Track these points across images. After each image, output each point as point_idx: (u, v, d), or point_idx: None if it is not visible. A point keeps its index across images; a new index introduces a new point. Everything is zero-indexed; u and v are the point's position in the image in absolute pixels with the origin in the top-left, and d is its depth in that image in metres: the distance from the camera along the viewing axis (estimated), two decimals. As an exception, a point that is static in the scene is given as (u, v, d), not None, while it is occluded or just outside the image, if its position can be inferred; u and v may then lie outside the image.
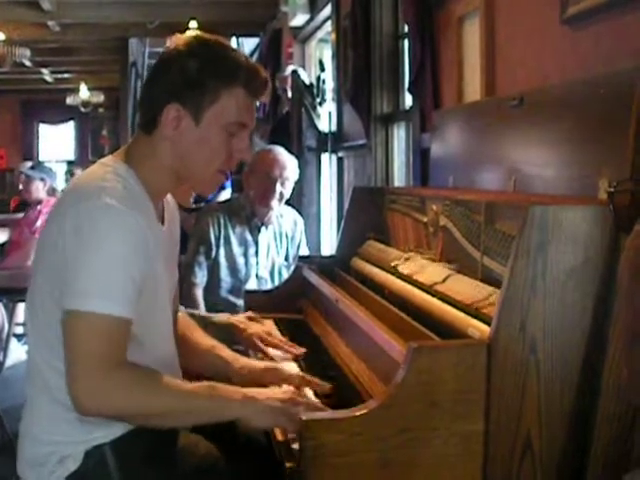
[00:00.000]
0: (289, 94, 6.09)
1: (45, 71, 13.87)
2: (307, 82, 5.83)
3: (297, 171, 3.78)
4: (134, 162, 1.84)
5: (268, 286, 3.67)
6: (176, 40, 1.88)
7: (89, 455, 1.77)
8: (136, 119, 2.14)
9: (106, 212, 1.69)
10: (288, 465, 1.72)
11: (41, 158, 16.39)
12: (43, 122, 17.70)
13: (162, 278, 1.88)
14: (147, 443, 1.81)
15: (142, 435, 1.80)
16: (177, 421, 1.78)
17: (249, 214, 3.71)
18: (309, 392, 2.02)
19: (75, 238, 1.68)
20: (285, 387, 2.00)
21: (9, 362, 5.62)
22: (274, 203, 3.66)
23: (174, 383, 1.75)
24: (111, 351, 1.66)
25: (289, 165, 3.72)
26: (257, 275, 3.72)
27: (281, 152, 3.76)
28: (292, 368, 2.30)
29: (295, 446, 1.75)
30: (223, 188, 6.16)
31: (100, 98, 15.18)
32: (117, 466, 1.78)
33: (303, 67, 6.64)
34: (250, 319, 2.66)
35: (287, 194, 3.72)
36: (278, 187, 3.64)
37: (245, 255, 3.70)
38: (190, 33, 1.87)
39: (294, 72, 5.95)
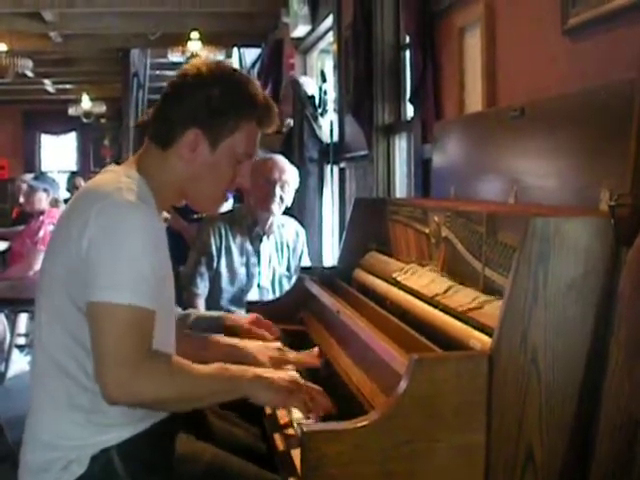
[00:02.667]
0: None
1: (47, 82, 13.89)
2: (313, 92, 5.81)
3: (297, 178, 3.79)
4: (145, 173, 1.89)
5: (270, 296, 3.67)
6: (197, 64, 1.95)
7: (95, 459, 1.78)
8: (149, 130, 2.16)
9: (130, 208, 1.76)
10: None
11: (43, 169, 16.40)
12: (45, 133, 17.70)
13: (168, 278, 1.97)
14: (154, 446, 1.83)
15: (149, 438, 1.82)
16: (197, 404, 1.87)
17: (250, 224, 3.72)
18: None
19: (102, 234, 1.73)
20: (292, 373, 2.05)
21: (11, 373, 5.62)
22: (275, 207, 3.66)
23: (193, 368, 1.80)
24: (140, 342, 1.71)
25: (288, 169, 3.73)
26: (259, 285, 3.73)
27: (279, 158, 3.79)
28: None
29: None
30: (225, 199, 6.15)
31: (102, 109, 15.21)
32: (124, 470, 1.78)
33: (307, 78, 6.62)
34: (255, 323, 2.60)
35: (287, 199, 3.72)
36: (278, 190, 3.65)
37: (247, 265, 3.71)
38: (210, 59, 1.91)
39: (295, 82, 5.94)
